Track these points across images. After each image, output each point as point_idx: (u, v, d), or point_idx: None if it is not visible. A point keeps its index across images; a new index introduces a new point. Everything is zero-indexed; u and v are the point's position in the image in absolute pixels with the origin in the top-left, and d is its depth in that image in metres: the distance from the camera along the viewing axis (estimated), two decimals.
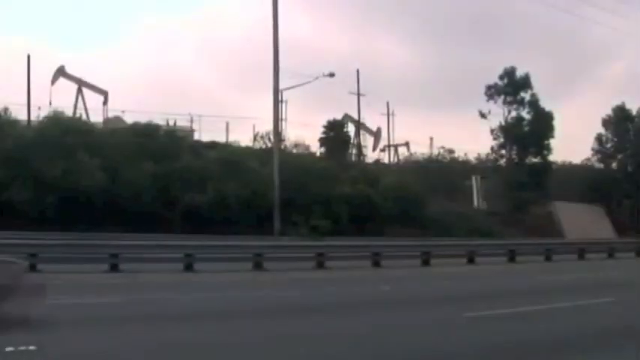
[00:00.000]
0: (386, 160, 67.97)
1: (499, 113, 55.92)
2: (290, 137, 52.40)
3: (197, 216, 36.00)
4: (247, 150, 48.36)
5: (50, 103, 51.86)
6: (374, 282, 20.95)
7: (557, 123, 56.16)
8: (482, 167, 62.15)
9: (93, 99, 61.12)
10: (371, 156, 65.09)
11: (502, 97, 55.90)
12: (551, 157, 57.55)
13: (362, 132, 64.61)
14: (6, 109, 38.98)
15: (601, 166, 62.34)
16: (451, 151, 66.51)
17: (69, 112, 48.57)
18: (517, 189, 54.03)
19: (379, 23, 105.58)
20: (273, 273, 22.74)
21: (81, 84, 60.83)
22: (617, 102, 62.07)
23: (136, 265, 21.16)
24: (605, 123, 61.45)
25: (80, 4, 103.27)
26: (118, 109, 57.77)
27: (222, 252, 24.89)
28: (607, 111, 61.60)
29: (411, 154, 68.96)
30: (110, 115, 58.67)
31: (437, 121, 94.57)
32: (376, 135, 66.60)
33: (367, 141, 65.81)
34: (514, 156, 57.07)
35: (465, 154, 68.13)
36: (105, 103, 60.56)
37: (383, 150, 68.34)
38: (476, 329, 11.31)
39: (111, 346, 9.21)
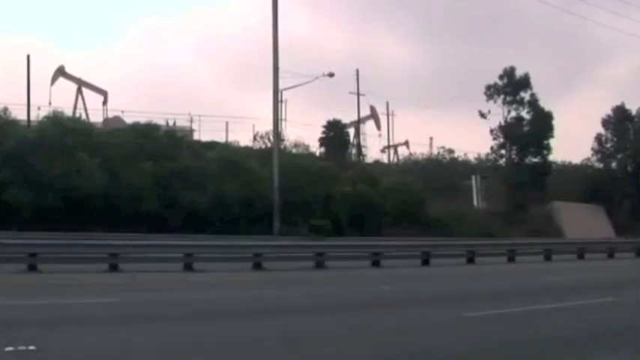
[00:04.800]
0: (386, 160, 68.20)
1: (499, 113, 56.00)
2: (290, 137, 52.49)
3: (197, 216, 36.01)
4: (247, 150, 48.40)
5: (50, 103, 52.03)
6: (374, 282, 20.95)
7: (557, 123, 56.27)
8: (482, 167, 62.20)
9: (93, 99, 61.34)
10: (371, 156, 65.22)
11: (502, 97, 55.93)
12: (551, 157, 57.65)
13: (362, 132, 64.86)
14: (6, 109, 39.03)
15: (601, 166, 62.34)
16: (451, 151, 66.74)
17: (69, 112, 48.62)
18: (517, 189, 54.04)
19: (379, 23, 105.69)
20: (272, 273, 22.74)
21: (81, 84, 60.98)
22: (617, 102, 62.20)
23: (136, 265, 21.16)
24: (605, 123, 61.47)
25: (80, 4, 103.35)
26: (118, 109, 58.01)
27: (222, 252, 24.90)
28: (607, 111, 61.70)
29: (410, 154, 69.17)
30: (110, 115, 58.84)
31: (437, 121, 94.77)
32: (374, 116, 66.76)
33: (367, 141, 66.06)
34: (514, 156, 57.08)
35: (465, 154, 68.33)
36: (105, 103, 60.73)
37: (383, 150, 68.62)
38: (475, 329, 11.30)
39: (110, 346, 9.21)
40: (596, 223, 54.10)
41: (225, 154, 42.22)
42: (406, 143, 70.63)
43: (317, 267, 24.98)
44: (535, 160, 56.33)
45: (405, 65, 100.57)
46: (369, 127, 66.99)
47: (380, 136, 67.47)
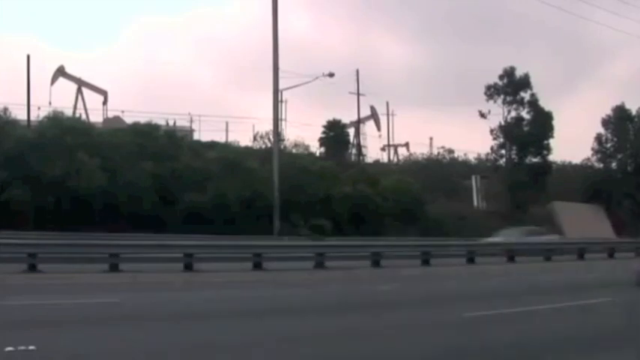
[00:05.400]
0: (386, 159, 68.29)
1: (499, 113, 55.95)
2: (290, 137, 52.41)
3: (197, 216, 36.00)
4: (247, 150, 48.39)
5: (50, 103, 52.11)
6: (374, 282, 20.95)
7: (557, 123, 56.25)
8: (482, 167, 62.18)
9: (93, 99, 61.39)
10: (370, 156, 65.19)
11: (502, 97, 55.89)
12: (551, 157, 57.63)
13: (362, 132, 64.87)
14: (6, 109, 39.03)
15: (601, 166, 62.30)
16: (451, 151, 66.81)
17: (69, 112, 48.67)
18: (517, 189, 54.03)
19: (379, 23, 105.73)
20: (272, 273, 22.73)
21: (81, 84, 61.03)
22: (617, 102, 62.17)
23: (136, 265, 21.16)
24: (605, 123, 61.44)
25: (80, 4, 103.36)
26: (118, 109, 58.12)
27: (222, 252, 24.88)
28: (607, 111, 61.67)
29: (410, 154, 69.23)
30: (110, 115, 58.93)
31: (437, 121, 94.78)
32: (374, 116, 66.85)
33: (367, 141, 66.09)
34: (514, 156, 57.05)
35: (465, 154, 68.38)
36: (105, 103, 60.82)
37: (383, 149, 68.71)
38: (475, 329, 11.30)
39: (111, 346, 9.21)
40: (596, 223, 54.09)
41: (225, 154, 42.23)
42: (406, 145, 70.80)
43: (317, 267, 24.96)
44: (535, 160, 56.31)
45: (405, 65, 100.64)
46: (369, 127, 67.12)
47: (380, 137, 67.64)
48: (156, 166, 37.66)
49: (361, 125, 64.61)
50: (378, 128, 67.53)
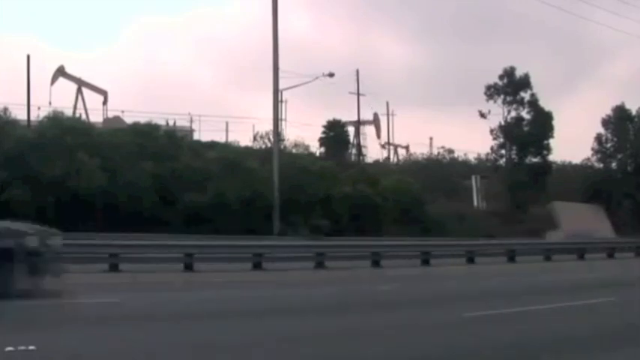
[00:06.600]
0: (385, 156, 68.33)
1: (499, 113, 55.94)
2: (290, 137, 52.35)
3: (197, 216, 35.98)
4: (247, 150, 48.35)
5: (50, 103, 52.09)
6: (374, 282, 20.95)
7: (557, 123, 56.24)
8: (482, 167, 62.16)
9: (93, 99, 61.38)
10: (370, 156, 65.17)
11: (502, 97, 55.87)
12: (551, 157, 57.62)
13: (362, 132, 64.86)
14: (6, 109, 39.00)
15: (601, 166, 62.26)
16: (451, 151, 66.83)
17: (69, 112, 48.63)
18: (517, 189, 54.04)
19: (379, 23, 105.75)
20: (272, 273, 22.73)
21: (81, 84, 61.03)
22: (617, 102, 62.14)
23: (136, 265, 21.14)
24: (605, 123, 61.40)
25: (80, 4, 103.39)
26: (118, 109, 58.08)
27: (222, 252, 24.89)
28: (607, 111, 61.63)
29: (410, 155, 69.27)
30: (110, 115, 58.91)
31: (437, 121, 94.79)
32: (375, 121, 66.94)
33: (367, 141, 66.08)
34: (514, 156, 57.04)
35: (465, 154, 68.40)
36: (104, 103, 60.81)
37: (383, 146, 68.75)
38: (475, 329, 11.30)
39: (110, 346, 9.21)
40: (596, 223, 54.04)
41: (225, 154, 42.18)
42: (407, 147, 70.91)
43: (317, 267, 24.97)
44: (535, 160, 56.30)
45: (405, 65, 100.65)
46: (369, 128, 67.10)
47: (380, 143, 67.73)
48: (156, 166, 37.62)
49: (361, 125, 64.61)
50: (378, 136, 67.52)
